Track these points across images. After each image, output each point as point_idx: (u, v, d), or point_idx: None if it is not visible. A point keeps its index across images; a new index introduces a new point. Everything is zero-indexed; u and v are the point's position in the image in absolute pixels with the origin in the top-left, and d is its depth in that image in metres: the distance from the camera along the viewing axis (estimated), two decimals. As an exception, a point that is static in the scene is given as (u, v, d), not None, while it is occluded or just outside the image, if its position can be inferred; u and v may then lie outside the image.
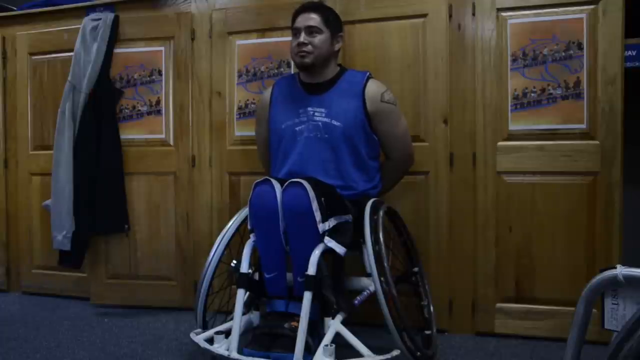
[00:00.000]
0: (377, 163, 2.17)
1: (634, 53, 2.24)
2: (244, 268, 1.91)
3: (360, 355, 1.76)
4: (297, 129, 2.11)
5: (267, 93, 2.27)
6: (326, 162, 2.08)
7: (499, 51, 2.31)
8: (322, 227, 1.85)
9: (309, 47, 2.06)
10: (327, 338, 1.77)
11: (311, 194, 1.83)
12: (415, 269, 2.21)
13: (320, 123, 2.08)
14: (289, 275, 1.92)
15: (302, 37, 2.07)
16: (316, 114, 2.09)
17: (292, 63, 2.41)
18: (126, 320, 2.61)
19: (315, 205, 1.82)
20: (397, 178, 2.29)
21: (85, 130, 2.74)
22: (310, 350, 1.77)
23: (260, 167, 2.44)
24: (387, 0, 2.43)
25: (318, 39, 2.07)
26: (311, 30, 2.07)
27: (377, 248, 1.86)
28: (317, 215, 1.83)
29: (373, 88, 2.10)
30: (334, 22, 2.13)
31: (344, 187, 2.06)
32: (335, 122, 2.06)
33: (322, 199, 1.85)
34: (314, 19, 2.08)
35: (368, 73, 2.15)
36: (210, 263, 2.07)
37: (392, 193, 2.35)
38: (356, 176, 2.08)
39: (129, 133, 2.79)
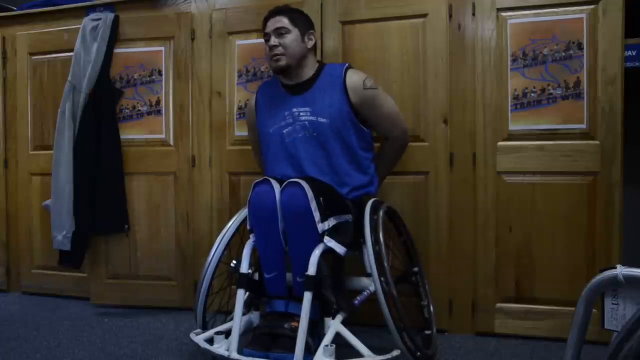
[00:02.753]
0: (371, 154, 2.16)
1: (634, 53, 2.24)
2: (244, 268, 1.91)
3: (360, 355, 1.76)
4: (284, 131, 2.11)
5: (253, 99, 2.30)
6: (318, 159, 2.07)
7: (499, 51, 2.31)
8: (321, 226, 1.85)
9: (280, 49, 2.08)
10: (327, 338, 1.77)
11: (309, 193, 1.83)
12: (415, 269, 2.21)
13: (306, 122, 2.08)
14: (289, 275, 1.92)
15: (272, 40, 2.09)
16: (301, 113, 2.09)
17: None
18: (126, 320, 2.60)
19: (313, 205, 1.82)
20: (395, 159, 2.28)
21: (85, 130, 2.74)
22: (310, 351, 1.77)
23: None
24: (387, 1, 2.43)
25: (288, 38, 2.08)
26: (280, 32, 2.09)
27: (377, 248, 1.86)
28: (316, 215, 1.83)
29: (354, 78, 2.09)
30: (301, 21, 2.14)
31: (338, 182, 2.06)
32: (321, 119, 2.06)
33: (321, 198, 1.85)
34: (280, 20, 2.10)
35: (347, 64, 2.15)
36: (210, 263, 2.07)
37: (392, 193, 2.36)
38: (349, 169, 2.08)
39: (129, 133, 2.79)
